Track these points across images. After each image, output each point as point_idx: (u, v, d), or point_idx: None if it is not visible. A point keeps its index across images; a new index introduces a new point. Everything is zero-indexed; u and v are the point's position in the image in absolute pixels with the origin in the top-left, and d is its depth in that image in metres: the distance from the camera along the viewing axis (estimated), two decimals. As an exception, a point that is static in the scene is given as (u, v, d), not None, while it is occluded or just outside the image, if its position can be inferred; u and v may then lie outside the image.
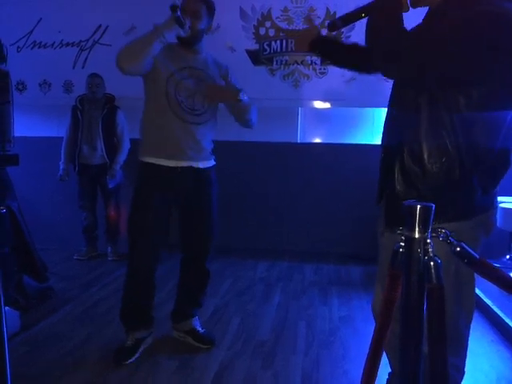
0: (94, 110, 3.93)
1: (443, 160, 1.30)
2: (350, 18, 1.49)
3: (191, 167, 2.22)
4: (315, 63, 4.22)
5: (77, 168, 3.98)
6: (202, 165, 2.26)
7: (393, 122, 1.48)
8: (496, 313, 2.79)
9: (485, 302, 2.93)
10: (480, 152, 1.31)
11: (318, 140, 4.62)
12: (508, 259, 3.77)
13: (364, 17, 1.42)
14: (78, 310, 2.92)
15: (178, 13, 2.00)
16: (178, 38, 2.15)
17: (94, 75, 3.95)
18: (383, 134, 1.52)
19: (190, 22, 2.08)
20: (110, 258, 4.04)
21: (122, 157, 3.95)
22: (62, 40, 4.59)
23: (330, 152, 4.31)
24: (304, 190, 4.32)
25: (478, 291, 3.04)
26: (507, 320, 2.66)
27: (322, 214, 4.30)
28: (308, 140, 4.59)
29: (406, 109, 1.39)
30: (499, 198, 3.78)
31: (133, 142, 3.92)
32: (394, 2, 1.34)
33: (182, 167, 2.20)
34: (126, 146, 3.98)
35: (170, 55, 2.18)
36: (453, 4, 1.29)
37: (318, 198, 4.30)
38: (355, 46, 1.71)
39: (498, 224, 3.55)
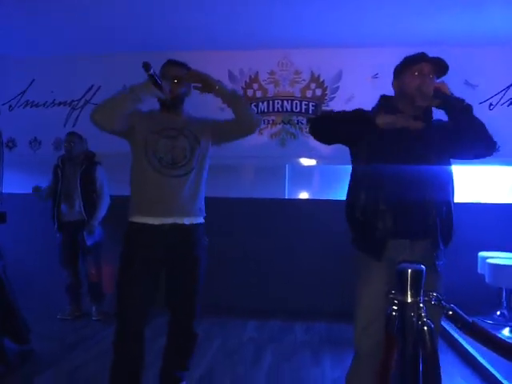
0: (73, 166, 3.94)
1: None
2: None
3: (175, 224, 2.19)
4: (301, 123, 4.37)
5: (56, 225, 3.93)
6: (186, 221, 2.22)
7: (417, 180, 1.83)
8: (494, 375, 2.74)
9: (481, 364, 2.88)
10: None
11: (305, 196, 4.68)
12: (499, 315, 3.75)
13: None
14: (60, 374, 2.80)
15: (151, 70, 2.03)
16: (159, 100, 2.21)
17: (70, 133, 4.02)
18: (399, 190, 1.83)
19: (171, 86, 2.15)
20: (94, 318, 3.92)
21: (100, 213, 3.89)
22: (54, 100, 4.71)
23: (318, 207, 4.35)
24: (293, 245, 4.32)
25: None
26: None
27: (313, 270, 4.27)
28: (295, 196, 4.65)
29: (433, 171, 1.86)
30: (487, 254, 3.87)
31: (116, 198, 3.93)
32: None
33: (165, 224, 2.17)
34: (106, 201, 3.94)
35: (150, 119, 2.23)
36: None
37: (308, 254, 4.30)
38: None
39: (487, 280, 3.59)
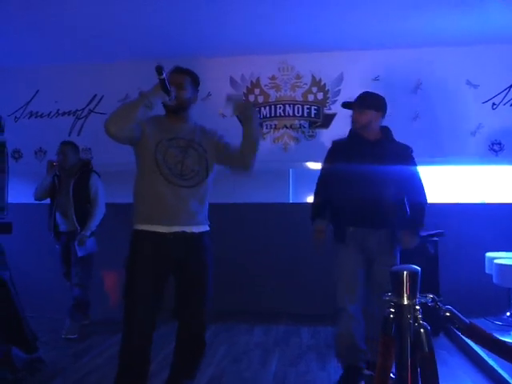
0: (67, 176, 3.83)
1: None
2: None
3: (184, 232, 2.19)
4: (304, 127, 4.37)
5: (52, 235, 3.86)
6: (195, 229, 2.23)
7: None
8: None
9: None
10: None
11: (309, 200, 4.67)
12: (508, 316, 3.72)
13: None
14: (67, 382, 2.81)
15: (164, 75, 2.04)
16: (165, 105, 2.22)
17: (62, 143, 3.89)
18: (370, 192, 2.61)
19: (176, 92, 2.16)
20: (63, 335, 3.64)
21: (93, 223, 3.73)
22: (59, 109, 4.76)
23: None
24: (299, 250, 4.31)
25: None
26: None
27: (318, 273, 4.26)
28: (300, 200, 4.64)
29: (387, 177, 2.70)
30: (495, 254, 3.86)
31: (119, 206, 3.84)
32: None
33: (173, 233, 2.18)
34: (100, 211, 3.78)
35: (158, 126, 2.24)
36: None
37: (313, 258, 4.28)
38: None
39: (495, 281, 3.57)
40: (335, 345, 2.68)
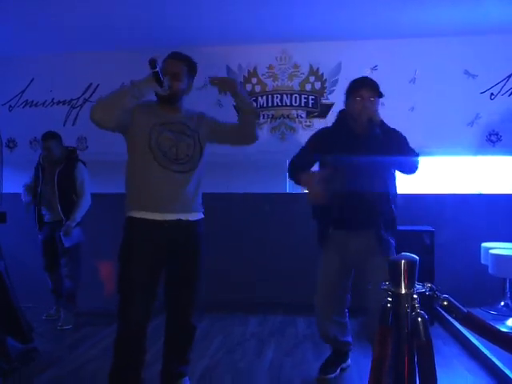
0: (52, 166, 3.76)
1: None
2: None
3: (179, 220, 2.18)
4: (301, 117, 4.35)
5: (37, 227, 3.82)
6: (190, 217, 2.22)
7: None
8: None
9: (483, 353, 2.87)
10: None
11: (306, 190, 4.65)
12: (503, 306, 3.74)
13: None
14: (62, 372, 2.80)
15: (157, 68, 2.01)
16: (157, 94, 2.19)
17: (44, 139, 3.76)
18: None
19: (170, 82, 2.13)
20: (58, 327, 3.65)
21: (79, 213, 3.67)
22: (54, 99, 4.71)
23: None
24: (295, 240, 4.30)
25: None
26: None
27: (314, 264, 4.25)
28: (297, 190, 4.62)
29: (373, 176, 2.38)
30: (491, 244, 3.88)
31: (111, 196, 3.78)
32: None
33: (169, 221, 2.16)
34: (86, 201, 3.72)
35: (149, 111, 2.21)
36: None
37: (310, 248, 4.27)
38: None
39: (490, 271, 3.58)
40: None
